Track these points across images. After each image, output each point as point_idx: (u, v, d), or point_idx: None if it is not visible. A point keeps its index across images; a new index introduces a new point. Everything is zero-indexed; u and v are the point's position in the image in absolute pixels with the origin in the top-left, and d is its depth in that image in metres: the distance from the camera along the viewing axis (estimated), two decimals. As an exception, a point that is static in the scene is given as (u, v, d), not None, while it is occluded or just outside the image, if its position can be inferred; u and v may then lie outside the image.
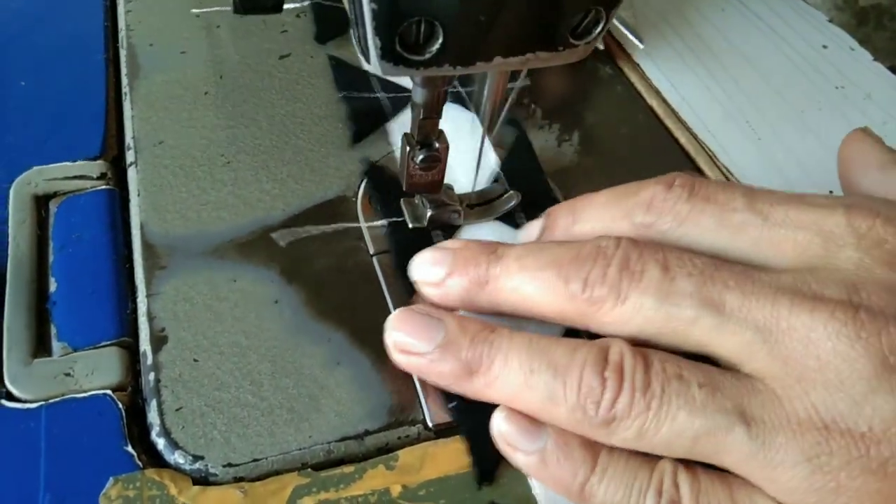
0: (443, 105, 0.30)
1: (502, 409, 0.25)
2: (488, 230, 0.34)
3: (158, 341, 0.29)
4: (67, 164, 0.35)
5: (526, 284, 0.25)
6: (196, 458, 0.26)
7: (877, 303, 0.22)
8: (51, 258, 0.32)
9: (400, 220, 0.34)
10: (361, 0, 0.22)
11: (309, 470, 0.27)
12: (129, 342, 0.30)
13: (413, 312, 0.26)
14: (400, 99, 0.40)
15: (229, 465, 0.26)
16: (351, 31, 0.24)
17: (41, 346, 0.29)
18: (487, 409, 0.25)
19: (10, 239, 0.32)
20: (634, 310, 0.23)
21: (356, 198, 0.35)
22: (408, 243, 0.32)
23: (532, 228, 0.29)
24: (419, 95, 0.29)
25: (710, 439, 0.22)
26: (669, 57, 0.45)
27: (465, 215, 0.34)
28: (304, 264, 0.32)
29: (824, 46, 0.47)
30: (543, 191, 0.36)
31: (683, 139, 0.40)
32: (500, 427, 0.24)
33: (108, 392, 0.28)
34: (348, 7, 0.23)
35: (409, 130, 0.31)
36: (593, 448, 0.24)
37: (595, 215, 0.27)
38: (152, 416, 0.27)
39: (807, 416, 0.21)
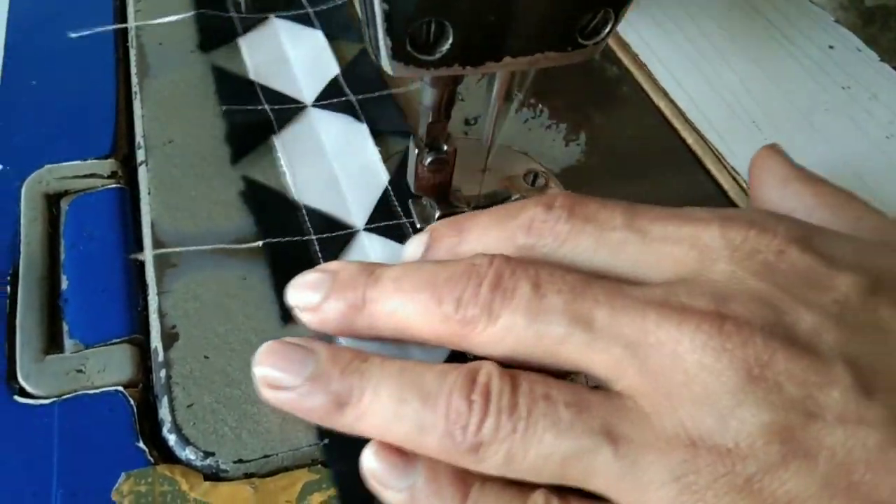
0: (452, 107, 0.30)
1: (372, 445, 0.24)
2: (379, 248, 0.33)
3: (169, 338, 0.29)
4: (78, 162, 0.35)
5: (403, 307, 0.25)
6: (207, 454, 0.26)
7: (744, 313, 0.21)
8: (62, 256, 0.32)
9: (280, 240, 0.33)
10: (373, 1, 0.22)
11: (319, 466, 0.27)
12: (140, 339, 0.30)
13: (283, 344, 0.25)
14: (286, 111, 0.39)
15: (240, 461, 0.26)
16: (362, 31, 0.24)
17: (53, 343, 0.29)
18: (358, 448, 0.24)
19: (22, 237, 0.32)
20: (506, 329, 0.23)
21: (365, 197, 0.35)
22: (287, 262, 0.32)
23: (415, 245, 0.28)
24: (428, 97, 0.29)
25: (578, 462, 0.21)
26: (676, 57, 0.45)
27: (473, 215, 0.34)
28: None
29: (831, 47, 0.47)
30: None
31: (691, 139, 0.41)
32: (370, 464, 0.23)
33: (120, 388, 0.28)
34: (359, 7, 0.24)
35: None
36: (465, 483, 0.23)
37: (479, 236, 0.26)
38: (163, 413, 0.28)
39: (675, 434, 0.21)
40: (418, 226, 0.34)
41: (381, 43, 0.23)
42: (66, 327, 0.30)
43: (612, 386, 0.22)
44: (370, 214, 0.34)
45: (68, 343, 0.30)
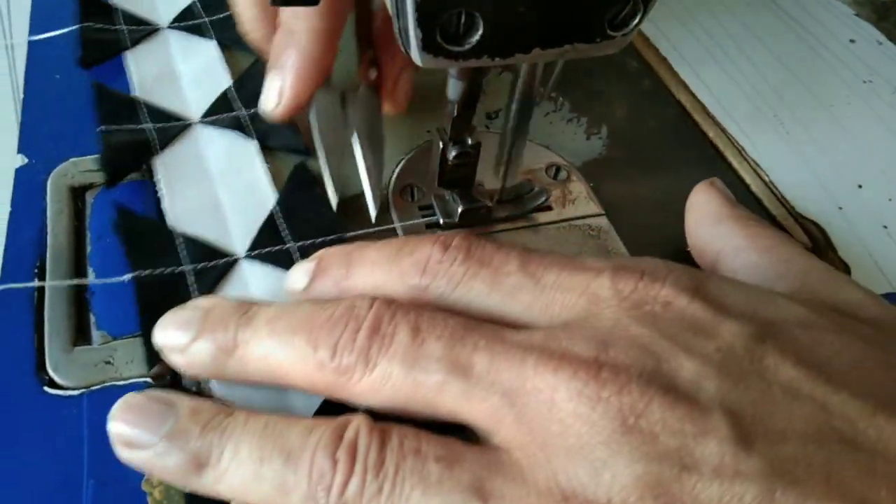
0: (477, 101, 0.30)
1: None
2: (261, 277, 0.31)
3: (196, 330, 0.29)
4: (102, 155, 0.35)
5: (276, 351, 0.24)
6: (235, 445, 0.27)
7: (623, 360, 0.21)
8: (88, 248, 0.32)
9: (151, 272, 0.30)
10: (404, -9, 0.22)
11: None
12: (168, 331, 0.30)
13: (142, 397, 0.24)
14: (170, 129, 0.36)
15: (268, 452, 0.26)
16: (393, 23, 0.24)
17: (81, 335, 0.30)
18: None
19: (48, 230, 0.32)
20: (383, 378, 0.22)
21: (387, 190, 0.35)
22: (156, 298, 0.29)
23: (299, 274, 0.27)
24: (454, 90, 0.29)
25: None
26: (697, 51, 0.45)
27: (495, 210, 0.34)
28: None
29: (852, 41, 0.47)
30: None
31: (712, 133, 0.40)
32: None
33: (149, 380, 0.28)
34: (389, 1, 0.24)
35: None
36: None
37: (369, 271, 0.26)
38: (191, 404, 0.28)
39: (547, 488, 0.20)
40: (441, 221, 0.34)
41: (412, 34, 0.23)
42: (93, 319, 0.30)
43: (490, 438, 0.22)
44: (253, 239, 0.32)
45: (96, 335, 0.30)
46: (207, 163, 0.35)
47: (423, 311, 0.23)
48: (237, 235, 0.32)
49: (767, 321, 0.22)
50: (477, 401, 0.21)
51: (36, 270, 0.31)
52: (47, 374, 0.28)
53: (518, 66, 0.29)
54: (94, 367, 0.29)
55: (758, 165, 0.39)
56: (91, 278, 0.31)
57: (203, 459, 0.22)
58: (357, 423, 0.22)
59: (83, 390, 0.28)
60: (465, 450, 0.21)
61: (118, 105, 0.37)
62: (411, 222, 0.34)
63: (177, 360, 0.25)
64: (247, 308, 0.25)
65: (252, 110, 0.37)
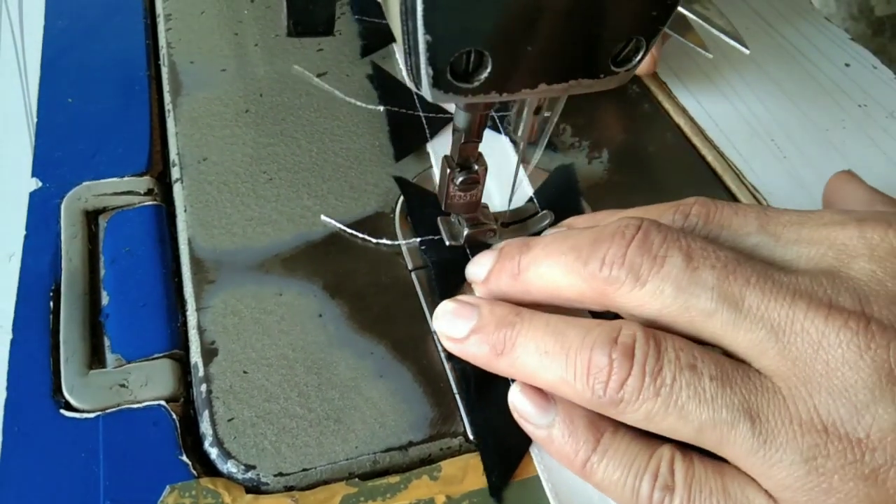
0: (483, 129, 0.31)
1: (517, 384, 0.27)
2: None
3: (209, 353, 0.30)
4: (115, 179, 0.36)
5: (550, 269, 0.27)
6: (248, 467, 0.27)
7: (887, 316, 0.23)
8: (102, 272, 0.33)
9: (436, 237, 0.35)
10: (416, 31, 0.23)
11: (356, 479, 0.28)
12: (181, 354, 0.31)
13: (454, 301, 0.29)
14: (439, 120, 0.41)
15: (280, 474, 0.27)
16: (403, 60, 0.25)
17: (96, 358, 0.30)
18: (501, 424, 0.28)
19: (63, 253, 0.33)
20: (652, 295, 0.24)
21: (394, 214, 0.36)
22: (444, 260, 0.34)
23: (480, 266, 0.30)
24: (461, 120, 0.30)
25: (714, 431, 0.23)
26: (696, 76, 0.46)
27: (500, 233, 0.35)
28: (345, 279, 0.33)
29: (847, 65, 0.48)
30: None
31: (710, 157, 0.41)
32: (514, 399, 0.27)
33: (162, 403, 0.29)
34: (401, 38, 0.24)
35: (448, 153, 0.32)
36: (598, 428, 0.25)
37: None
38: (205, 427, 0.28)
39: (808, 418, 0.22)
40: (447, 243, 0.34)
41: (423, 72, 0.24)
42: (107, 342, 0.31)
43: (750, 363, 0.24)
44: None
45: (110, 358, 0.30)
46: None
47: (694, 238, 0.25)
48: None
49: None
50: (743, 331, 0.23)
51: (51, 293, 0.32)
52: (63, 397, 0.29)
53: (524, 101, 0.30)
54: (108, 390, 0.29)
55: (756, 189, 0.39)
56: (105, 300, 0.32)
57: (499, 349, 0.27)
58: (632, 329, 0.24)
59: (98, 413, 0.29)
60: (733, 371, 0.23)
61: (395, 89, 0.41)
62: (412, 240, 0.35)
63: (478, 290, 0.30)
64: (527, 241, 0.29)
65: (500, 113, 0.41)
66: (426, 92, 0.25)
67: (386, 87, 0.42)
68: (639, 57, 0.27)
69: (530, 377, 0.26)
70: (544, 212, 0.36)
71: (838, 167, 0.41)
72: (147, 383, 0.29)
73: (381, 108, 0.41)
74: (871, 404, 0.22)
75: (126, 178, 0.36)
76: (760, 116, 0.44)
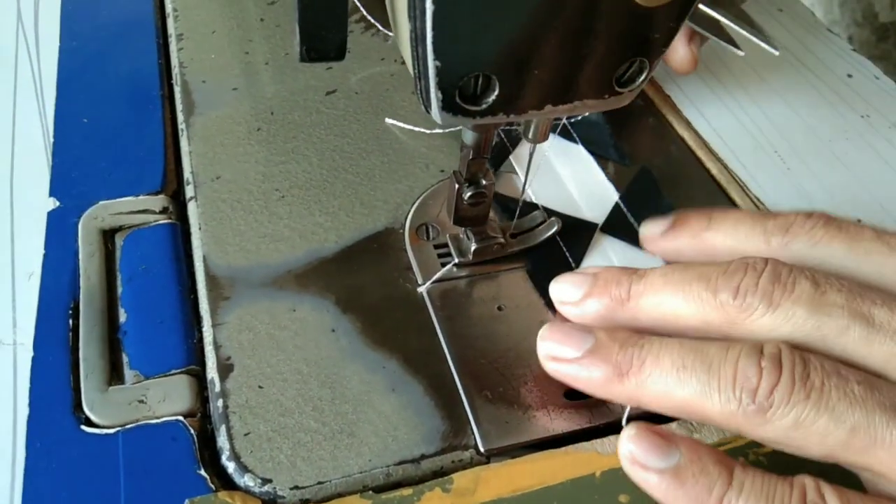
0: (491, 146, 0.31)
1: (629, 429, 0.25)
2: (619, 251, 0.37)
3: (225, 369, 0.31)
4: (131, 198, 0.37)
5: (671, 298, 0.27)
6: (265, 481, 0.28)
7: None
8: (119, 290, 0.34)
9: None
10: (426, 57, 0.24)
11: (370, 492, 0.28)
12: (197, 370, 0.31)
13: (563, 324, 0.28)
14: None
15: (296, 487, 0.28)
16: (414, 84, 0.26)
17: (115, 375, 0.31)
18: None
19: (81, 272, 0.34)
20: (785, 318, 0.25)
21: (403, 230, 0.37)
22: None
23: (656, 224, 0.31)
24: (470, 138, 0.31)
25: (868, 432, 0.23)
26: (699, 88, 0.47)
27: (508, 245, 0.36)
28: (357, 294, 0.34)
29: (849, 76, 0.49)
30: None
31: (714, 169, 0.42)
32: (628, 448, 0.25)
33: (180, 418, 0.29)
34: (411, 63, 0.25)
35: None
36: (726, 462, 0.24)
37: (730, 227, 0.29)
38: (222, 441, 0.29)
39: None
40: (456, 259, 0.35)
41: (433, 96, 0.25)
42: (125, 358, 0.32)
43: (886, 376, 0.24)
44: (604, 222, 0.38)
45: (128, 374, 0.31)
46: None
47: (815, 269, 0.26)
48: (590, 218, 0.38)
49: None
50: (877, 344, 0.24)
51: (71, 311, 0.33)
52: (84, 413, 0.30)
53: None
54: (128, 406, 0.30)
55: (760, 201, 0.40)
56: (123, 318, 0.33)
57: (624, 369, 0.26)
58: (775, 343, 0.25)
59: (118, 428, 0.29)
60: (875, 378, 0.24)
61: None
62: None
63: (569, 311, 0.29)
64: (635, 270, 0.28)
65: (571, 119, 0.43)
66: (436, 115, 0.26)
67: None
68: (643, 77, 0.27)
69: (660, 397, 0.25)
70: (551, 219, 0.37)
71: (841, 178, 0.42)
72: (165, 399, 0.30)
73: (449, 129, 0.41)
74: None
75: (141, 197, 0.37)
76: (764, 128, 0.44)
